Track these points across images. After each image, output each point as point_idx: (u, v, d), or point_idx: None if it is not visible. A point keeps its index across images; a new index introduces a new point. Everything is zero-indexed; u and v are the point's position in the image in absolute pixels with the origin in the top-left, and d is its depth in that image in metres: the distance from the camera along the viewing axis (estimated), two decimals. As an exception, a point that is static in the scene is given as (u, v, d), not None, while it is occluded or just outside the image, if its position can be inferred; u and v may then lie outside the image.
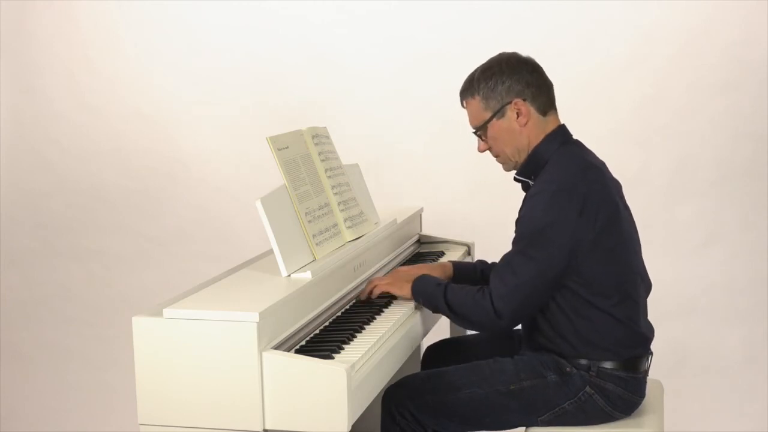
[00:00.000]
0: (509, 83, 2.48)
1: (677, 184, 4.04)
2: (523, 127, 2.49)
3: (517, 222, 2.46)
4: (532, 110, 2.50)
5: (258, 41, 4.27)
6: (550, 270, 2.36)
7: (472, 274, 2.85)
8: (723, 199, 4.02)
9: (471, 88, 2.54)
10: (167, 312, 2.12)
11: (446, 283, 2.54)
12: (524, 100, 2.49)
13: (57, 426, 4.13)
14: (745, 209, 4.01)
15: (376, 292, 2.64)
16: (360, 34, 4.20)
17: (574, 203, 2.34)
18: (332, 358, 2.16)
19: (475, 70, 2.56)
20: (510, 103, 2.49)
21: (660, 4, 3.96)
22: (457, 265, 2.85)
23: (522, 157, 2.53)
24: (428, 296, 2.54)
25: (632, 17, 3.99)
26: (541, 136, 2.51)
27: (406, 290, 2.60)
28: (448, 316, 2.53)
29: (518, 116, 2.49)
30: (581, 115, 3.94)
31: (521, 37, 3.97)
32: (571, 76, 3.95)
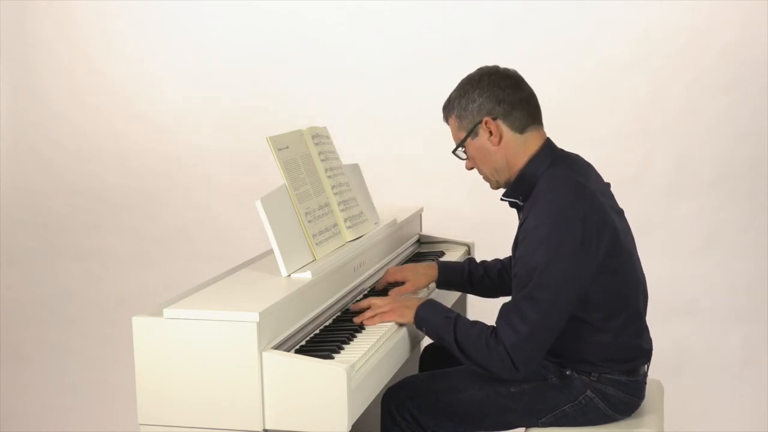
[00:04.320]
0: (480, 101, 2.41)
1: (677, 184, 4.04)
2: (497, 147, 2.42)
3: (517, 261, 2.36)
4: (505, 128, 2.41)
5: (258, 41, 4.27)
6: (559, 310, 2.28)
7: (459, 275, 2.82)
8: (723, 199, 4.02)
9: (448, 107, 2.49)
10: (167, 312, 2.12)
11: (456, 315, 2.38)
12: (494, 118, 2.40)
13: (57, 426, 4.13)
14: (745, 209, 4.01)
15: (376, 321, 2.44)
16: (360, 34, 4.20)
17: (574, 233, 2.26)
18: (332, 358, 2.15)
19: (454, 89, 2.50)
20: (480, 122, 2.42)
21: (660, 4, 3.96)
22: (442, 266, 2.81)
23: (501, 177, 2.47)
24: (434, 327, 2.40)
25: (632, 17, 3.99)
26: (522, 155, 2.42)
27: (408, 317, 2.43)
28: (454, 354, 2.35)
29: (491, 135, 2.42)
30: (581, 115, 3.95)
31: (521, 37, 3.97)
32: (571, 76, 3.94)
